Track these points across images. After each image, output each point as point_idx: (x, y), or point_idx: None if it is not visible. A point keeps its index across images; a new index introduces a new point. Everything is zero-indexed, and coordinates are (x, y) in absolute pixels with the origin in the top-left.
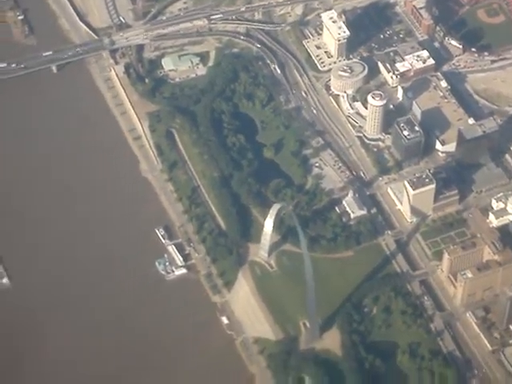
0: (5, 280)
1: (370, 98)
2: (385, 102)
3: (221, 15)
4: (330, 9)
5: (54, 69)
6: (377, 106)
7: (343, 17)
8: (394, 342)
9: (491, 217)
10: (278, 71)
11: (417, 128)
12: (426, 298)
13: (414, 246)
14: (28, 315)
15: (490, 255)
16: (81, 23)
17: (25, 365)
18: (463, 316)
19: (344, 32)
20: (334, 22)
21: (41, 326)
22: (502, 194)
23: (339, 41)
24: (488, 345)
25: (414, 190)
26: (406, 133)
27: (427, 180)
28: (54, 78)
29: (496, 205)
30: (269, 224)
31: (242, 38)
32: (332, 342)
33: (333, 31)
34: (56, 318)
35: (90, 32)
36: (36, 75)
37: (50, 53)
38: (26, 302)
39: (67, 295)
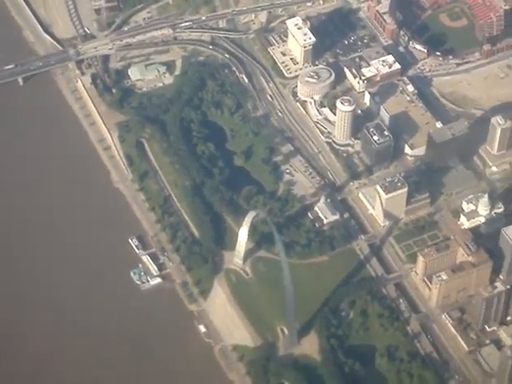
0: None
1: (338, 103)
2: (353, 107)
3: (189, 23)
4: (294, 16)
5: (21, 81)
6: (345, 112)
7: (308, 23)
8: (372, 345)
9: (462, 219)
10: (246, 80)
11: (386, 133)
12: (401, 300)
13: (388, 249)
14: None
15: (464, 257)
16: (45, 35)
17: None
18: (439, 318)
19: (310, 38)
20: (299, 28)
21: (18, 338)
22: (472, 196)
23: (305, 47)
24: (465, 345)
25: (386, 194)
26: (375, 138)
27: (399, 184)
28: (20, 90)
29: (467, 207)
30: (244, 231)
31: (210, 47)
32: (310, 346)
33: (298, 38)
34: (34, 330)
35: (55, 43)
36: (2, 88)
37: (12, 66)
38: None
39: (42, 307)
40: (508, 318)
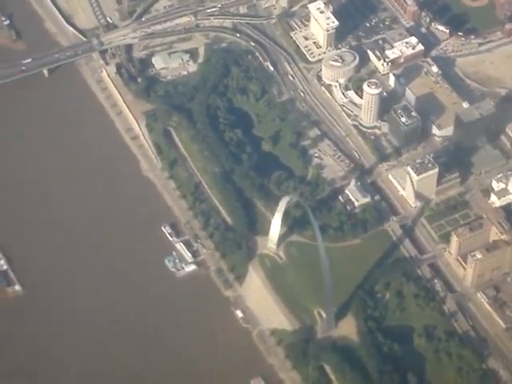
0: (17, 287)
1: (365, 86)
2: (380, 89)
3: (211, 10)
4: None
5: (46, 73)
6: (373, 95)
7: (330, 7)
8: (409, 325)
9: (493, 197)
10: (271, 67)
11: (414, 114)
12: (436, 280)
13: (420, 230)
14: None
15: (497, 235)
16: (67, 25)
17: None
18: (474, 296)
19: (333, 22)
20: (321, 12)
21: (54, 327)
22: (501, 174)
23: (328, 31)
24: (502, 323)
25: (417, 175)
26: (403, 119)
27: (430, 165)
28: (46, 81)
29: (497, 185)
30: (278, 216)
31: (237, 35)
32: (348, 329)
33: (321, 22)
34: (69, 319)
35: (78, 34)
36: (28, 80)
37: (29, 60)
38: (39, 305)
39: (79, 297)
40: None
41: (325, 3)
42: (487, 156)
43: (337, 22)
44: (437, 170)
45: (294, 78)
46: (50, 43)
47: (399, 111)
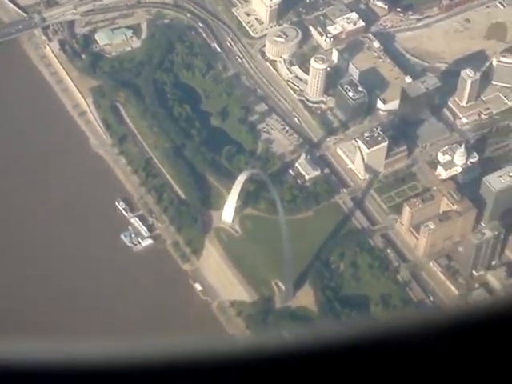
0: None
1: (312, 61)
2: (327, 65)
3: None
4: None
5: None
6: (319, 69)
7: None
8: (365, 294)
9: (440, 169)
10: (219, 49)
11: (360, 89)
12: (388, 250)
13: (370, 202)
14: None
15: (448, 206)
16: (7, 1)
17: None
18: (427, 265)
19: None
20: None
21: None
22: (447, 147)
23: (271, 7)
24: (455, 290)
25: (368, 148)
26: (350, 94)
27: (380, 138)
28: None
29: (443, 158)
30: (236, 190)
31: (188, 15)
32: (306, 299)
33: None
34: (24, 298)
35: (18, 10)
36: None
37: None
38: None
39: (34, 278)
40: (493, 263)
41: None
42: (432, 129)
43: None
44: (386, 143)
45: (240, 54)
46: None
47: (346, 86)
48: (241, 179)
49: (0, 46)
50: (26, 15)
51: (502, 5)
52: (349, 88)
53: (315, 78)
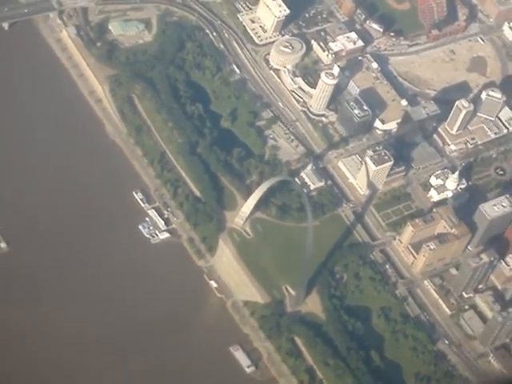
0: (3, 244)
1: (323, 76)
2: (336, 81)
3: None
4: None
5: (6, 26)
6: (328, 85)
7: None
8: (367, 306)
9: (432, 192)
10: (226, 52)
11: (365, 107)
12: (387, 266)
13: (370, 217)
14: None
15: (445, 229)
16: None
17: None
18: (422, 283)
19: (284, 10)
20: None
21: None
22: (440, 171)
23: (279, 18)
24: (447, 310)
25: (376, 166)
26: (356, 111)
27: (386, 157)
28: (5, 35)
29: (435, 181)
30: (258, 193)
31: (195, 15)
32: (314, 306)
33: (273, 8)
34: (48, 285)
35: None
36: None
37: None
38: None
39: (57, 264)
40: (480, 286)
41: None
42: (424, 153)
43: (288, 10)
44: (392, 162)
45: (246, 59)
46: None
47: (352, 103)
48: (267, 183)
49: (16, 26)
50: None
51: (483, 40)
52: (355, 106)
53: (322, 92)
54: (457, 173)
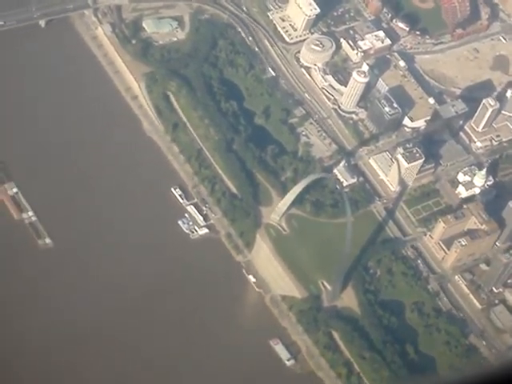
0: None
1: (355, 74)
2: (368, 79)
3: None
4: None
5: (43, 24)
6: (360, 83)
7: None
8: (400, 300)
9: (460, 188)
10: (257, 50)
11: (395, 105)
12: (419, 261)
13: (400, 213)
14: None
15: (476, 225)
16: None
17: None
18: (453, 278)
19: (315, 9)
20: None
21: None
22: (467, 168)
23: (309, 17)
24: (478, 304)
25: (408, 163)
26: (387, 109)
27: (417, 155)
28: (42, 32)
29: (463, 178)
30: (296, 190)
31: (227, 14)
32: (350, 301)
33: (304, 7)
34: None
35: None
36: (24, 29)
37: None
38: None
39: (96, 259)
40: (509, 281)
41: None
42: (452, 150)
43: (318, 9)
44: (423, 159)
45: (277, 57)
46: None
47: (382, 101)
48: (306, 180)
49: (52, 23)
50: None
51: (504, 39)
52: (385, 103)
53: (354, 90)
54: (484, 170)
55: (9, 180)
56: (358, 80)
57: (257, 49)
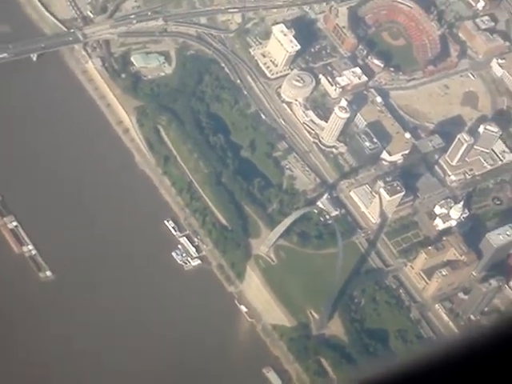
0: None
1: (336, 110)
2: (349, 114)
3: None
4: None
5: (34, 57)
6: (341, 118)
7: (292, 31)
8: (384, 328)
9: (438, 221)
10: (242, 86)
11: (375, 140)
12: (401, 291)
13: (382, 244)
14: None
15: (455, 256)
16: (48, 14)
17: None
18: (433, 307)
19: (296, 45)
20: (285, 35)
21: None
22: (443, 201)
23: (290, 53)
24: (457, 331)
25: (390, 196)
26: (367, 144)
27: (398, 188)
28: (34, 66)
29: (440, 210)
30: (287, 222)
31: (211, 50)
32: (337, 329)
33: (285, 43)
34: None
35: (58, 23)
36: (16, 63)
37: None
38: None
39: (91, 291)
40: (485, 309)
41: (287, 28)
42: (428, 183)
43: (299, 46)
44: (403, 192)
45: (260, 93)
46: (33, 29)
47: (362, 136)
48: (297, 213)
49: (44, 57)
50: (65, 29)
51: (473, 75)
52: (365, 138)
53: (335, 124)
54: (461, 203)
55: (8, 213)
56: (339, 115)
57: (240, 84)
